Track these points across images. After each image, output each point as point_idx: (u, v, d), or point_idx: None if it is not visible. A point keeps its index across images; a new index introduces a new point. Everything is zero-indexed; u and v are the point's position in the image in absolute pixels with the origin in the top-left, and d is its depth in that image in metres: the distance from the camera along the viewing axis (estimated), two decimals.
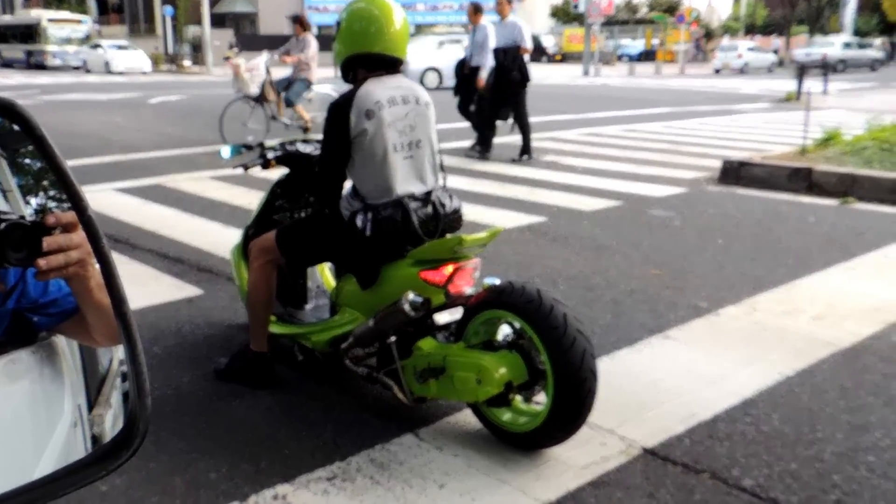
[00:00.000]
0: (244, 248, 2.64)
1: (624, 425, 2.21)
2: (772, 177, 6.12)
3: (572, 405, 1.88)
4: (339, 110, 2.04)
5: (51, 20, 25.36)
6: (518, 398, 2.02)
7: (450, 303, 2.12)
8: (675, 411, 2.31)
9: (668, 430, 2.20)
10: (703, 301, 3.48)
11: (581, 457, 2.03)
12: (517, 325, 1.95)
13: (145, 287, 3.34)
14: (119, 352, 0.71)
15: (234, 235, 3.87)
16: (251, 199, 5.27)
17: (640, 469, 1.97)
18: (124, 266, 3.68)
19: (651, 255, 4.26)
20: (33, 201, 0.71)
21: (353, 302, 2.29)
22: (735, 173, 6.34)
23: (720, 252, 4.35)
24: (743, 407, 2.35)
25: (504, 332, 2.05)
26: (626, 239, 4.59)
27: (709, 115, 11.74)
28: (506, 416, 2.04)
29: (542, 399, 2.02)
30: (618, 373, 2.53)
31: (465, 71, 6.79)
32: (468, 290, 2.15)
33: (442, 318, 2.14)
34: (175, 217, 4.67)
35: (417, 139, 2.14)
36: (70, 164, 0.66)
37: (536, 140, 8.36)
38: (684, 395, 2.43)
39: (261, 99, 7.25)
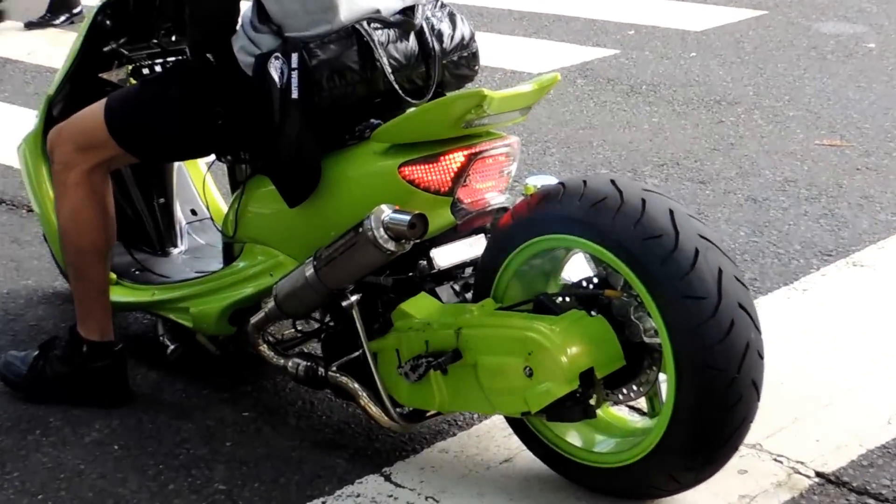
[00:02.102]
0: (46, 141, 2.57)
1: (779, 436, 2.26)
2: None
3: (710, 433, 1.93)
4: None
5: None
6: (605, 404, 2.09)
7: (462, 225, 2.16)
8: (874, 405, 2.36)
9: (862, 440, 2.24)
10: None
11: (705, 496, 2.06)
12: (603, 262, 2.00)
13: None
14: None
15: (15, 119, 3.78)
16: (44, 46, 5.13)
17: None
18: None
19: (822, 113, 4.25)
20: None
21: (269, 233, 2.32)
22: None
23: None
24: None
25: (572, 273, 2.11)
26: (772, 83, 4.56)
27: None
28: (575, 437, 2.10)
29: (642, 402, 2.09)
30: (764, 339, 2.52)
31: None
32: (497, 198, 2.19)
33: (447, 254, 2.18)
34: None
35: None
36: None
37: None
38: (889, 374, 2.47)
39: None
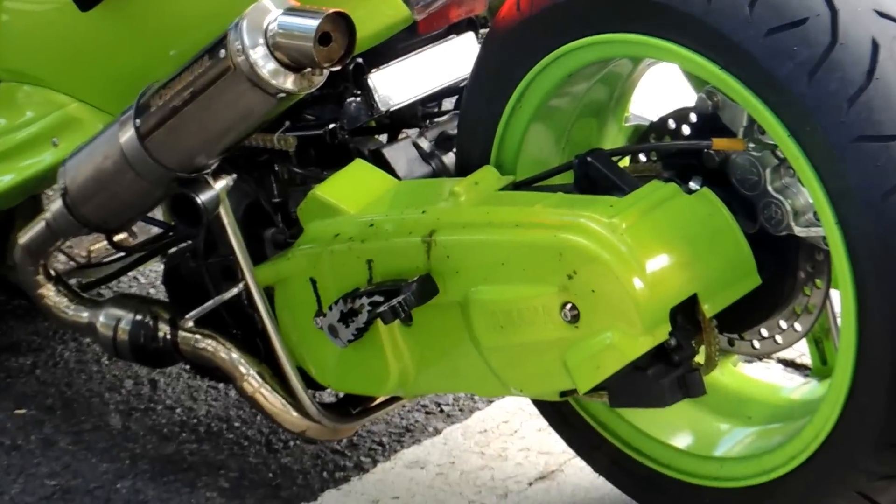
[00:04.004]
0: None
1: None
2: None
3: None
4: None
5: None
6: (727, 363, 2.06)
7: (426, 23, 2.13)
8: None
9: None
10: None
11: None
12: (707, 84, 1.95)
13: None
14: None
15: None
16: None
17: None
18: None
19: None
20: None
21: (45, 61, 2.30)
22: None
23: None
24: None
25: (647, 108, 2.08)
26: None
27: None
28: (671, 432, 2.09)
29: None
30: None
31: None
32: None
33: (401, 82, 2.16)
34: None
35: None
36: None
37: None
38: None
39: None
